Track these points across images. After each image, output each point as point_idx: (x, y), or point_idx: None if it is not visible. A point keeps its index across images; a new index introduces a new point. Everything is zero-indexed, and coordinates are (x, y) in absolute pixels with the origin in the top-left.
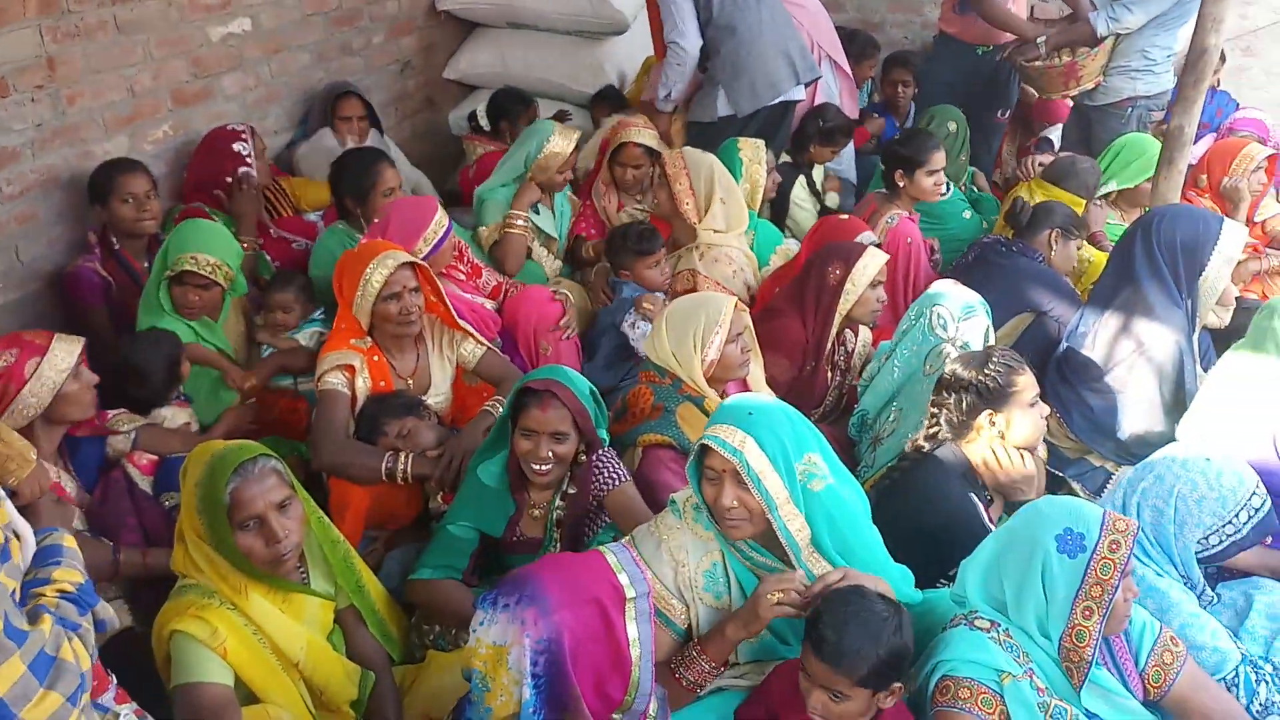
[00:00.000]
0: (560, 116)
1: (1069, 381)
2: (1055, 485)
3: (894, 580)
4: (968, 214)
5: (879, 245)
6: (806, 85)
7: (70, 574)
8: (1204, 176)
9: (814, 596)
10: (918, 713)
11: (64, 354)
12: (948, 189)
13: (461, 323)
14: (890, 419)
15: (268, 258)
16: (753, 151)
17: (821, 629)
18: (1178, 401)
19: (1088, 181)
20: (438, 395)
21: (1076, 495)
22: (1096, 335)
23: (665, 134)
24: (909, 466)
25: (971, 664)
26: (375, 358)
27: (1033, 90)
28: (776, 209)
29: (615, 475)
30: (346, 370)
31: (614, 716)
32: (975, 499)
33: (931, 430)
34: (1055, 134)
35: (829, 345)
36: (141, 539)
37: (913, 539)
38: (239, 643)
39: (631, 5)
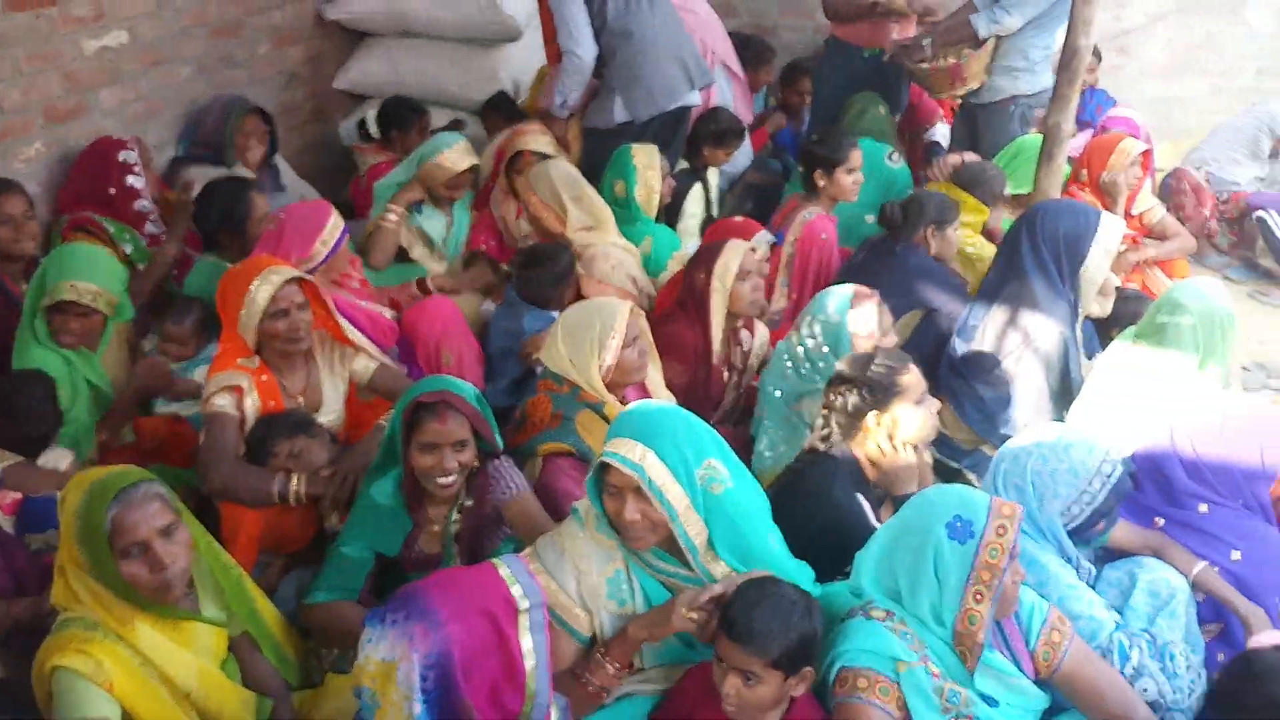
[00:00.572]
0: (454, 125)
1: (961, 375)
2: (951, 476)
3: (792, 576)
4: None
5: (794, 241)
6: (701, 90)
7: None
8: (1084, 171)
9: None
10: (822, 702)
11: None
12: (897, 158)
13: (354, 335)
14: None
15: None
16: (646, 157)
17: (734, 612)
18: (1064, 390)
19: (994, 189)
20: (330, 412)
21: (971, 485)
22: (985, 329)
23: (562, 140)
24: (801, 468)
25: (868, 653)
26: (263, 377)
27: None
28: (674, 215)
29: (513, 485)
30: (234, 391)
31: None
32: (863, 500)
33: (823, 432)
34: (937, 133)
35: (718, 347)
36: (9, 583)
37: (807, 538)
38: (126, 676)
39: (524, 12)
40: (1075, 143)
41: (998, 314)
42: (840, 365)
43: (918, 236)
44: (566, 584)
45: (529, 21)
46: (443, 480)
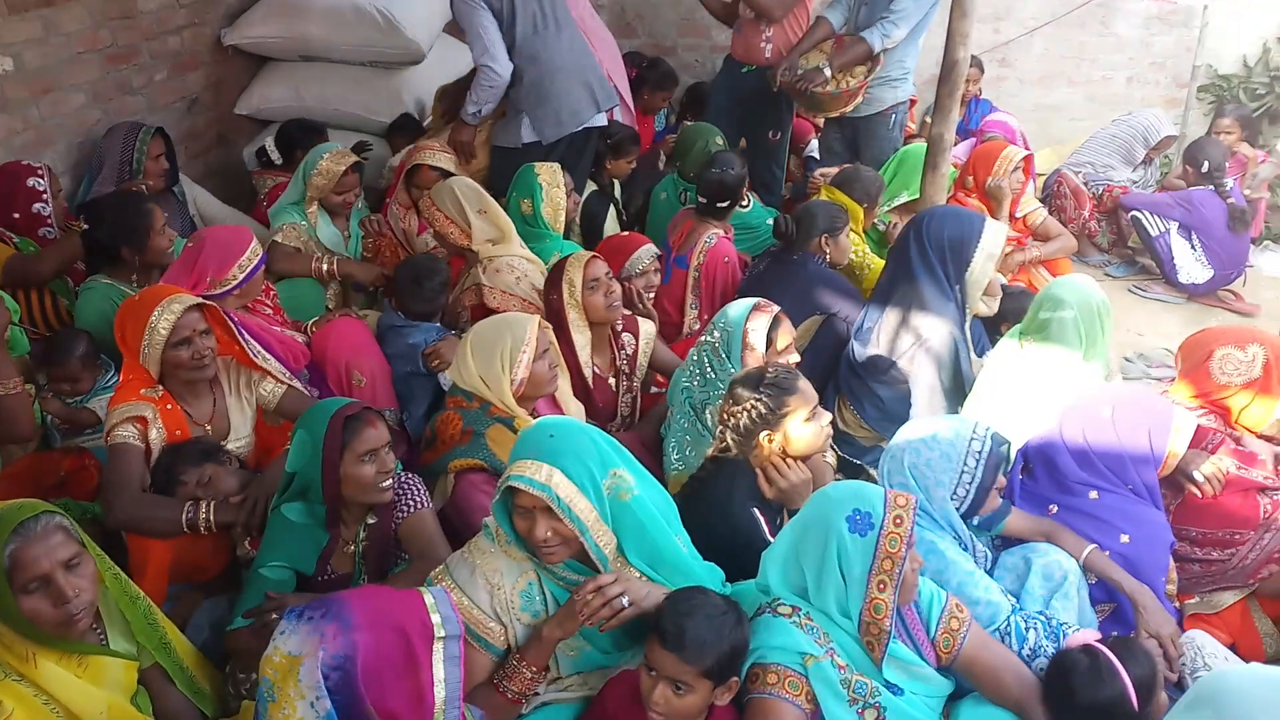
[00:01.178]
0: (359, 148)
1: (859, 376)
2: (854, 473)
3: (701, 579)
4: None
5: (698, 266)
6: (605, 111)
7: None
8: (970, 178)
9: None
10: (734, 702)
11: None
12: (747, 201)
13: (262, 359)
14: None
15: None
16: (550, 175)
17: (667, 622)
18: (957, 386)
19: (869, 189)
20: (239, 439)
21: (873, 481)
22: (879, 330)
23: (469, 145)
24: (705, 476)
25: (776, 650)
26: (168, 406)
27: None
28: (594, 236)
29: (415, 501)
30: (138, 422)
31: None
32: (757, 513)
33: (721, 446)
34: (812, 148)
35: (585, 358)
36: None
37: (712, 545)
38: (29, 715)
39: (426, 34)
40: (958, 150)
41: (890, 316)
42: (734, 382)
43: (812, 245)
44: (479, 599)
45: (431, 44)
46: (385, 484)
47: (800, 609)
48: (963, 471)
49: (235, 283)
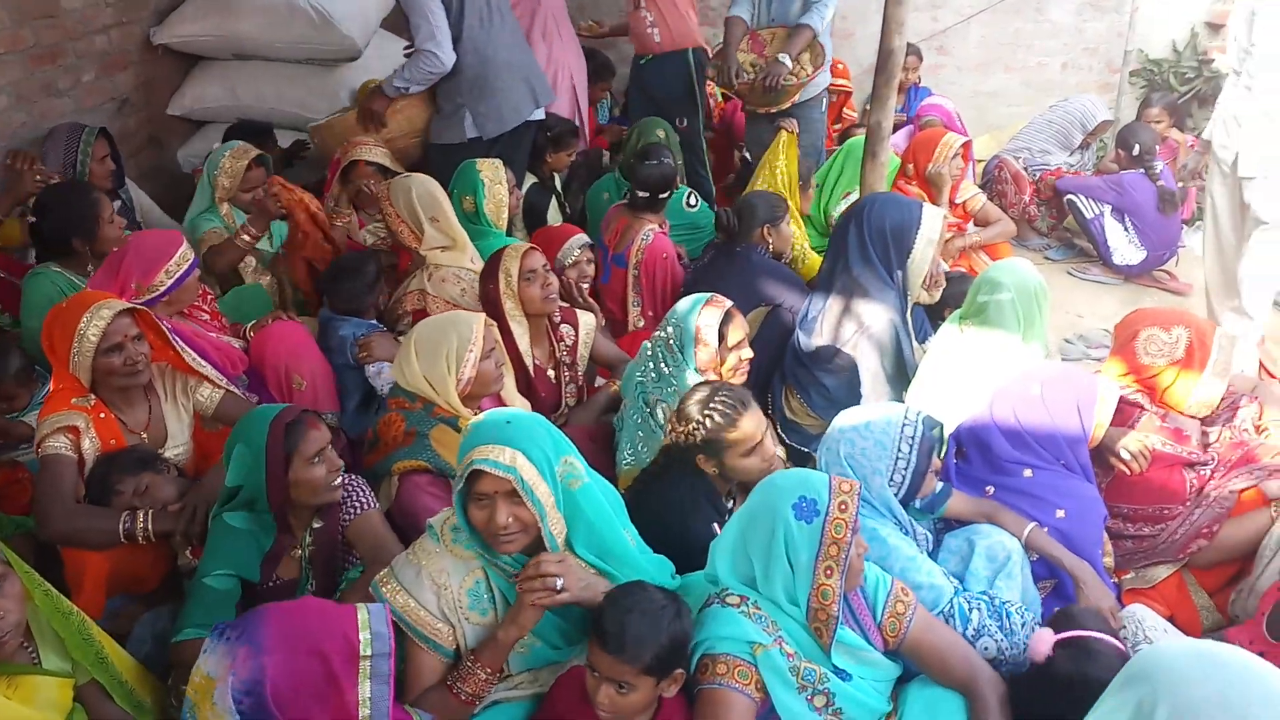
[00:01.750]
0: (298, 147)
1: (805, 365)
2: (802, 462)
3: (648, 571)
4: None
5: (637, 263)
6: (543, 106)
7: None
8: (910, 166)
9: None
10: (685, 693)
11: None
12: (694, 201)
13: (198, 364)
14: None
15: None
16: (492, 171)
17: (605, 623)
18: (900, 373)
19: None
20: (177, 446)
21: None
22: (823, 319)
23: (380, 114)
24: (657, 471)
25: (726, 639)
26: (101, 415)
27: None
28: (533, 230)
29: (360, 503)
30: (69, 432)
31: None
32: (716, 528)
33: (669, 454)
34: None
35: (526, 348)
36: None
37: (662, 541)
38: None
39: (361, 30)
40: (896, 138)
41: (833, 304)
42: (686, 402)
43: (755, 236)
44: (427, 601)
45: (368, 40)
46: (337, 483)
47: (749, 598)
48: (897, 458)
49: (164, 288)
